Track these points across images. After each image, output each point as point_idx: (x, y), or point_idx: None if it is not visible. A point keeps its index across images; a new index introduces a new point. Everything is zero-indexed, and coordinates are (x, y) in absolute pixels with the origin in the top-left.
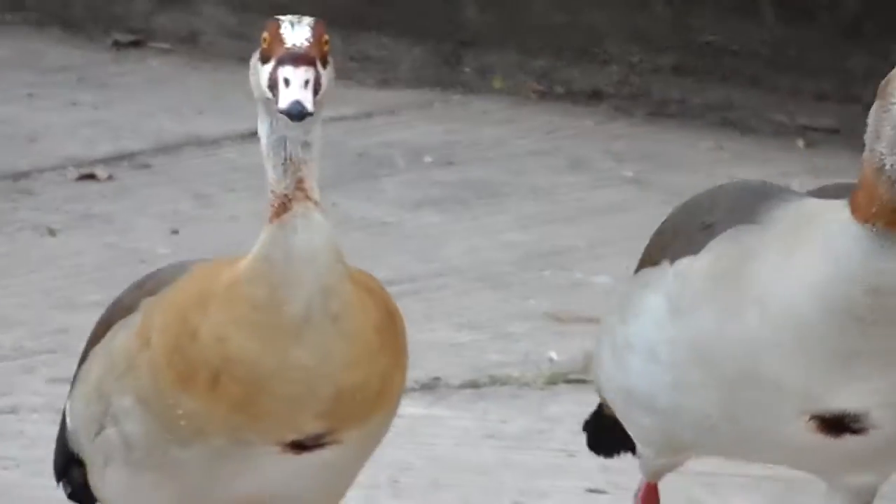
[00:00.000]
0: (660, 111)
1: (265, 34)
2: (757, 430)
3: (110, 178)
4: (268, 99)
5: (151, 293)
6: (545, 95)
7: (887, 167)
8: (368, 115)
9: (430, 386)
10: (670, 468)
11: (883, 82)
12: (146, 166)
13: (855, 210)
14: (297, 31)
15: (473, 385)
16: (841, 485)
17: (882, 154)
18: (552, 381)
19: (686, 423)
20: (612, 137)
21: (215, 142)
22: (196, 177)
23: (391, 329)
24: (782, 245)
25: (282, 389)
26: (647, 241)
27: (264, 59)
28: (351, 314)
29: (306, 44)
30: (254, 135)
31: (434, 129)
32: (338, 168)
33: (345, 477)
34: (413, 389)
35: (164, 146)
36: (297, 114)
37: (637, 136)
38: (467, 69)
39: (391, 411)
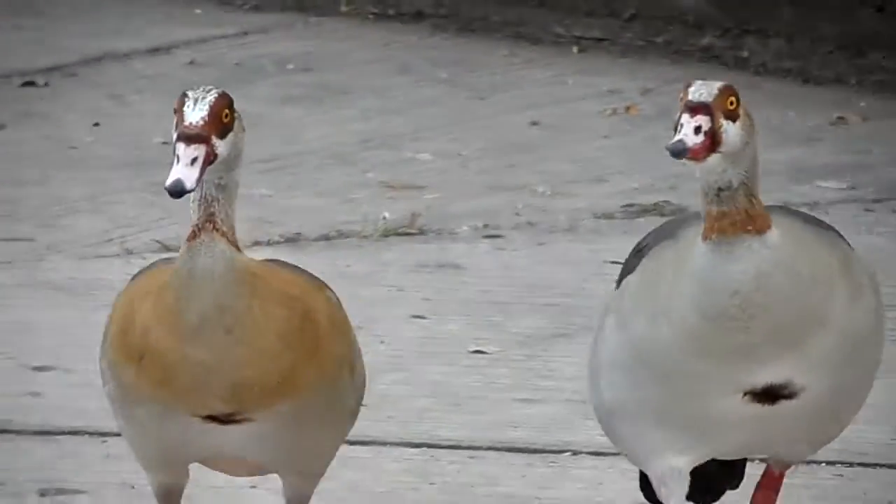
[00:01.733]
0: (467, 27)
1: (175, 107)
2: (704, 413)
3: (46, 84)
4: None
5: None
6: (380, 17)
7: (701, 182)
8: (245, 33)
9: (293, 239)
10: (675, 471)
11: None
12: (74, 75)
13: (703, 231)
14: (196, 110)
15: (326, 238)
16: (777, 461)
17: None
18: (385, 234)
19: (650, 420)
20: (431, 48)
21: (127, 55)
22: (113, 83)
23: (303, 332)
24: (676, 263)
25: (185, 378)
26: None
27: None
28: (246, 325)
29: (201, 122)
30: (158, 50)
31: (296, 44)
32: (220, 74)
33: (289, 446)
34: (278, 243)
35: (87, 59)
36: (176, 191)
37: (450, 47)
38: None
39: (302, 397)
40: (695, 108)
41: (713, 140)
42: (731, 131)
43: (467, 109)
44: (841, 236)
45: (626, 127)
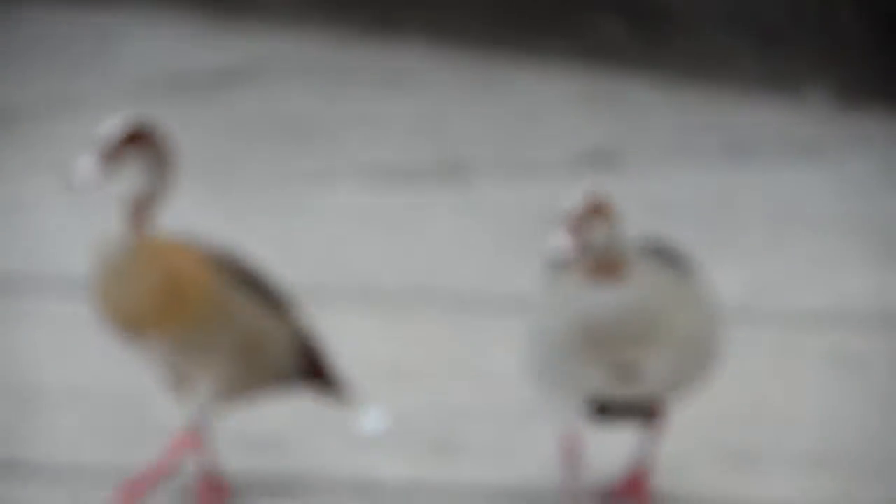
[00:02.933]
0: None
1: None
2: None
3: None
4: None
5: None
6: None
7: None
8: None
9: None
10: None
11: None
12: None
13: (578, 271)
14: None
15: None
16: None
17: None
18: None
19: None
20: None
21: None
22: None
23: (170, 287)
24: (565, 286)
25: (101, 311)
26: None
27: None
28: (129, 280)
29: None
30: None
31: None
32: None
33: (200, 352)
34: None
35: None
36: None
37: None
38: None
39: (174, 330)
40: (570, 224)
41: (584, 243)
42: (597, 233)
43: None
44: (693, 267)
45: None
